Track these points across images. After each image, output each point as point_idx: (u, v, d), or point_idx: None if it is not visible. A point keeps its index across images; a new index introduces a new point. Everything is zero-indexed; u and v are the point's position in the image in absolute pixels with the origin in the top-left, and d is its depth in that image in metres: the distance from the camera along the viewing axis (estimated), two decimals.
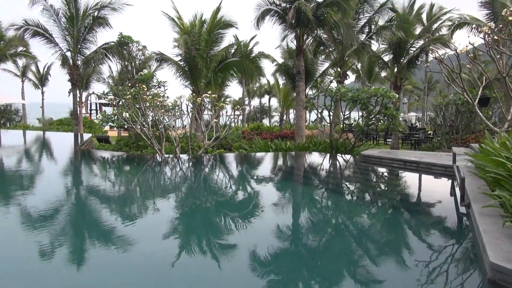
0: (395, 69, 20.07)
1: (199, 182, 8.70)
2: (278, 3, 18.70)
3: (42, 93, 42.22)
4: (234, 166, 11.35)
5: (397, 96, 13.13)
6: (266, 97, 53.55)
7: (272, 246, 4.28)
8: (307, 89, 22.86)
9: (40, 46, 21.00)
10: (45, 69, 41.39)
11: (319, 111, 14.75)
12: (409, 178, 8.94)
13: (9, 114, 30.94)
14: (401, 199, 7.06)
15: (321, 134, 17.56)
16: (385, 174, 9.63)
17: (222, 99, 36.07)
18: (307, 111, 24.02)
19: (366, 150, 11.96)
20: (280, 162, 12.10)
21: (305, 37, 19.54)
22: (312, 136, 18.98)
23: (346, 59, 23.13)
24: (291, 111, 36.80)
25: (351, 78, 34.18)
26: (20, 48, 32.67)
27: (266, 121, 45.66)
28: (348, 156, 12.18)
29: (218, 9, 17.96)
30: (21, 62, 38.06)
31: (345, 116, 14.34)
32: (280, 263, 3.93)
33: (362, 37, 21.84)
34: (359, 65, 33.90)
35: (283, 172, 10.44)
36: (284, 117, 33.93)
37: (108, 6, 19.68)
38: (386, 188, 8.33)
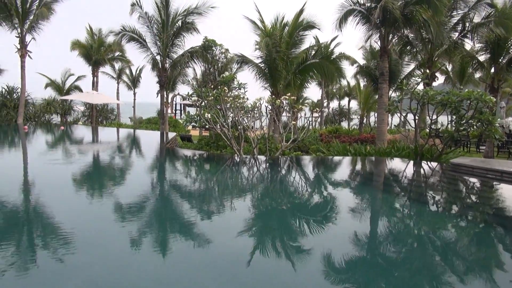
0: (492, 70, 18.26)
1: (275, 183, 8.72)
2: (362, 2, 18.11)
3: (134, 94, 45.85)
4: (311, 169, 11.20)
5: (494, 99, 11.92)
6: (346, 99, 52.23)
7: (347, 253, 4.11)
8: (391, 92, 21.80)
9: (133, 51, 22.86)
10: (137, 72, 44.94)
11: (403, 114, 13.96)
12: (507, 191, 8.04)
13: (105, 113, 34.04)
14: (495, 213, 6.37)
15: (405, 139, 16.61)
16: (478, 185, 8.78)
17: (301, 101, 35.93)
18: (389, 115, 22.91)
19: (456, 158, 11.03)
20: (359, 167, 11.67)
21: (390, 37, 18.66)
22: (394, 140, 18.04)
23: (435, 59, 21.61)
24: (372, 114, 35.44)
25: (440, 79, 31.83)
26: (117, 53, 35.79)
27: (344, 124, 44.54)
28: (434, 164, 11.34)
29: (301, 11, 17.92)
30: (117, 65, 41.72)
31: (432, 121, 13.38)
32: (355, 272, 3.76)
33: (454, 35, 20.25)
34: (449, 66, 31.47)
35: (362, 178, 10.05)
36: (364, 120, 32.77)
37: (195, 12, 20.71)
38: (478, 201, 7.59)
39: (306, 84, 22.15)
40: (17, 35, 24.15)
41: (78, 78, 37.18)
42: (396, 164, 11.88)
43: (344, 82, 42.63)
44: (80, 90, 35.48)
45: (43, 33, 25.30)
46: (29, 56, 24.62)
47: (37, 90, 30.89)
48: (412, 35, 21.08)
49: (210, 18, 21.36)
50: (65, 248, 4.03)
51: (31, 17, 24.09)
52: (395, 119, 43.32)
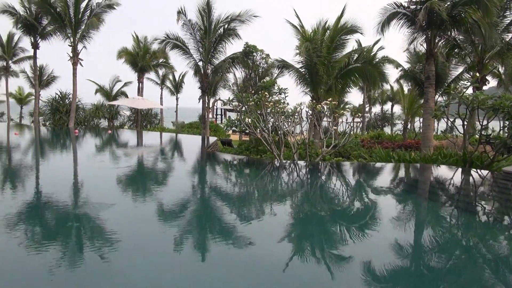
0: None
1: (315, 189, 8.62)
2: (406, 5, 17.60)
3: (177, 99, 47.10)
4: (352, 175, 10.98)
5: None
6: (389, 104, 50.85)
7: (389, 263, 3.98)
8: (437, 96, 20.98)
9: (176, 57, 23.50)
10: (180, 78, 46.16)
11: (451, 120, 13.38)
12: None
13: (150, 117, 35.20)
14: None
15: (452, 145, 15.89)
16: None
17: (342, 106, 35.36)
18: (435, 120, 22.03)
19: (509, 166, 10.40)
20: (402, 174, 11.30)
21: (436, 40, 17.98)
22: (441, 147, 17.31)
23: (486, 62, 20.56)
24: (416, 119, 34.26)
25: (491, 83, 30.19)
26: (161, 60, 36.97)
27: (387, 129, 43.35)
28: (485, 172, 10.76)
29: (341, 15, 17.71)
30: (161, 72, 43.08)
31: (483, 126, 12.71)
32: (397, 283, 3.63)
33: (507, 36, 19.18)
34: (501, 69, 29.84)
35: (406, 185, 9.71)
36: (408, 126, 31.72)
37: (237, 19, 21.03)
38: None
39: (347, 89, 21.79)
40: (70, 44, 25.57)
41: (125, 84, 38.81)
42: (443, 171, 11.39)
43: (387, 87, 41.51)
44: (126, 96, 36.98)
45: (93, 41, 26.64)
46: (80, 63, 25.98)
47: (87, 96, 32.58)
48: (460, 37, 20.20)
49: (252, 25, 21.63)
50: (109, 249, 4.20)
51: (83, 27, 25.43)
52: (442, 125, 41.65)
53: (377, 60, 20.26)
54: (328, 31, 18.37)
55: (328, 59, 18.09)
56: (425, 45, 17.87)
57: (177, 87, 46.69)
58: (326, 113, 13.77)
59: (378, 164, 12.73)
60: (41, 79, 39.00)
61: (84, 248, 4.26)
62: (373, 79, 19.60)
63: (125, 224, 5.15)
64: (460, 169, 11.31)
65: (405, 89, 30.51)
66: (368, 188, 9.04)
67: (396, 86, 37.40)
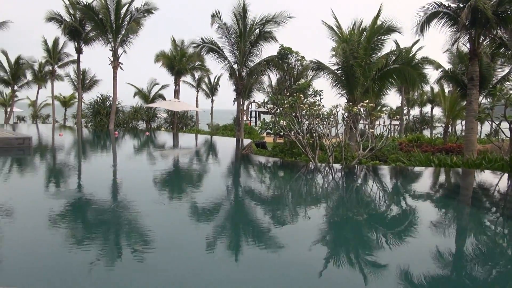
0: None
1: (351, 193, 8.44)
2: (447, 4, 16.97)
3: (212, 101, 47.72)
4: (389, 179, 10.67)
5: None
6: (428, 106, 49.17)
7: (428, 271, 3.82)
8: (481, 98, 20.05)
9: (212, 60, 23.81)
10: (215, 80, 46.74)
11: (496, 123, 12.73)
12: None
13: (185, 120, 35.87)
14: None
15: (497, 149, 15.11)
16: None
17: (379, 108, 34.55)
18: (479, 123, 21.06)
19: None
20: (443, 179, 10.87)
21: (480, 39, 17.20)
22: (485, 151, 16.51)
23: None
24: (458, 121, 32.92)
25: None
26: (197, 63, 37.61)
27: (426, 132, 41.96)
28: None
29: (377, 15, 17.31)
30: (197, 74, 43.80)
31: None
32: None
33: None
34: None
35: (447, 191, 9.31)
36: (449, 129, 30.51)
37: (272, 21, 21.04)
38: None
39: (385, 91, 21.26)
40: (111, 49, 26.52)
41: (162, 87, 39.79)
42: (487, 177, 10.85)
43: (426, 88, 40.15)
44: (163, 98, 37.89)
45: (132, 46, 27.53)
46: (120, 67, 26.89)
47: (127, 99, 33.57)
48: (506, 36, 19.21)
49: (287, 26, 21.56)
50: (144, 248, 4.28)
51: (123, 32, 26.31)
52: (486, 128, 39.76)
53: (416, 61, 19.62)
54: (365, 32, 18.00)
55: (365, 61, 17.72)
56: (468, 45, 17.14)
57: (212, 89, 47.33)
58: (363, 115, 13.48)
59: (417, 168, 12.31)
60: (84, 82, 40.69)
61: (121, 246, 4.37)
62: (412, 81, 19.00)
63: (160, 224, 5.24)
64: (506, 175, 10.73)
65: (446, 90, 29.42)
66: (407, 193, 8.75)
67: (436, 88, 36.12)
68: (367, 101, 12.92)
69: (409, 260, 4.18)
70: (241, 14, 21.54)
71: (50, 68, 39.14)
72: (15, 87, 40.20)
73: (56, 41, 37.24)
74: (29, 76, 41.05)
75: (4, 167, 9.91)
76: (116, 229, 5.05)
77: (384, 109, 43.93)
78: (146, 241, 4.52)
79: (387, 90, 21.41)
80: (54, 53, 37.76)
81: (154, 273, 3.62)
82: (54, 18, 27.87)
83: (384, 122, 14.12)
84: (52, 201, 6.16)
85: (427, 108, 49.94)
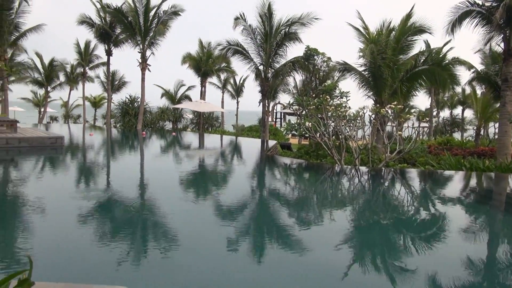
0: None
1: (377, 196, 8.28)
2: (480, 3, 16.42)
3: (237, 102, 47.96)
4: (418, 183, 10.41)
5: None
6: (459, 108, 47.71)
7: (459, 278, 3.70)
8: None
9: (237, 62, 23.90)
10: (241, 82, 46.96)
11: None
12: None
13: (211, 120, 36.19)
14: None
15: None
16: None
17: (407, 110, 33.82)
18: None
19: None
20: (475, 183, 10.51)
21: None
22: None
23: None
24: (491, 124, 31.80)
25: None
26: (223, 64, 37.88)
27: (457, 135, 40.74)
28: None
29: (409, 15, 16.93)
30: (223, 76, 44.13)
31: None
32: None
33: None
34: None
35: (478, 196, 9.00)
36: (482, 132, 29.48)
37: (298, 22, 20.95)
38: None
39: (413, 92, 20.75)
40: (139, 51, 27.08)
41: (189, 88, 40.31)
42: None
43: (457, 90, 38.97)
44: (190, 99, 38.36)
45: (160, 47, 28.02)
46: (148, 69, 27.42)
47: (154, 100, 34.18)
48: None
49: (313, 27, 21.42)
50: (170, 246, 4.34)
51: (151, 34, 26.83)
52: None
53: (447, 61, 19.06)
54: (393, 32, 17.66)
55: (393, 61, 17.37)
56: (502, 45, 16.53)
57: (237, 91, 47.58)
58: (390, 117, 13.23)
59: (447, 172, 11.97)
60: (113, 84, 41.74)
61: (148, 243, 4.45)
62: (443, 82, 18.47)
63: (185, 223, 5.31)
64: None
65: (478, 92, 28.47)
66: (436, 197, 8.51)
67: (468, 89, 35.03)
68: (395, 102, 12.66)
69: (438, 268, 4.06)
70: (266, 15, 21.54)
71: (82, 70, 40.37)
72: (49, 88, 41.70)
73: (87, 44, 38.39)
74: (61, 77, 42.54)
75: (39, 165, 10.28)
76: (143, 227, 5.15)
77: (412, 111, 42.92)
78: (172, 239, 4.58)
79: (416, 92, 20.90)
80: (85, 55, 38.93)
81: (179, 270, 3.66)
82: (85, 21, 28.74)
83: (412, 124, 13.75)
84: (83, 199, 6.34)
85: (457, 110, 48.49)
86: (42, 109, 44.39)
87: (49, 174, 9.21)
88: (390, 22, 17.97)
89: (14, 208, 5.96)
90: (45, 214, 5.48)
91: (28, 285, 1.74)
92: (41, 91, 45.82)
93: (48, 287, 2.42)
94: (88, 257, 3.93)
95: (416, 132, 12.87)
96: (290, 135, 28.41)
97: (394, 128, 12.89)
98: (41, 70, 40.10)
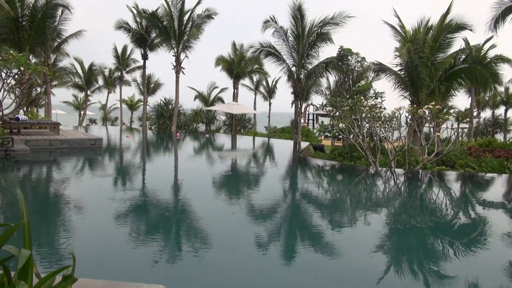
0: None
1: (414, 199, 8.03)
2: None
3: (269, 104, 47.97)
4: (457, 186, 10.02)
5: None
6: (502, 108, 45.56)
7: (502, 286, 3.52)
8: None
9: (270, 63, 23.90)
10: (273, 83, 46.95)
11: None
12: None
13: (243, 122, 36.41)
14: None
15: None
16: None
17: (445, 111, 32.69)
18: None
19: None
20: None
21: None
22: None
23: None
24: None
25: None
26: (255, 66, 38.05)
27: (499, 136, 38.93)
28: None
29: (447, 12, 16.34)
30: (255, 77, 44.30)
31: None
32: None
33: None
34: None
35: None
36: None
37: (331, 22, 20.71)
38: None
39: (452, 92, 19.99)
40: (174, 54, 27.68)
41: (221, 90, 40.76)
42: None
43: (500, 89, 37.23)
44: (222, 101, 38.78)
45: (193, 50, 28.53)
46: (182, 72, 27.96)
47: (187, 102, 34.81)
48: None
49: (346, 27, 21.10)
50: (203, 246, 4.39)
51: (185, 37, 27.35)
52: None
53: (489, 59, 18.23)
54: (431, 30, 17.09)
55: (431, 60, 16.81)
56: None
57: (270, 92, 47.61)
58: (428, 118, 12.81)
59: (488, 175, 11.44)
60: (149, 87, 42.88)
61: (182, 243, 4.52)
62: (484, 81, 17.66)
63: (219, 223, 5.36)
64: None
65: None
66: (477, 201, 8.15)
67: None
68: (433, 103, 12.25)
69: (478, 276, 3.88)
70: (298, 16, 21.42)
71: (119, 73, 41.74)
72: (88, 92, 43.41)
73: (124, 49, 39.68)
74: (100, 81, 44.22)
75: (80, 166, 10.70)
76: (179, 226, 5.24)
77: (451, 111, 41.38)
78: (206, 239, 4.64)
79: (455, 92, 20.12)
80: (123, 60, 40.24)
81: (214, 270, 3.69)
82: (123, 26, 29.73)
83: (451, 125, 13.22)
84: (120, 199, 6.54)
85: (500, 110, 46.32)
86: (82, 112, 46.27)
87: (89, 174, 9.57)
88: (428, 20, 17.42)
89: (58, 206, 6.23)
90: (86, 213, 5.69)
91: (72, 280, 1.81)
92: (81, 95, 47.76)
93: (88, 283, 2.50)
94: (126, 255, 4.05)
95: (455, 133, 12.39)
96: (322, 137, 28.11)
97: (432, 129, 12.45)
98: (81, 74, 41.79)
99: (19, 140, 11.90)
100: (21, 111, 15.53)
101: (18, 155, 10.68)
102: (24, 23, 20.77)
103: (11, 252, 1.77)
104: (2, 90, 12.35)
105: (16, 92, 13.34)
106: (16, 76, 12.78)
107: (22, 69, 12.15)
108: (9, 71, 12.16)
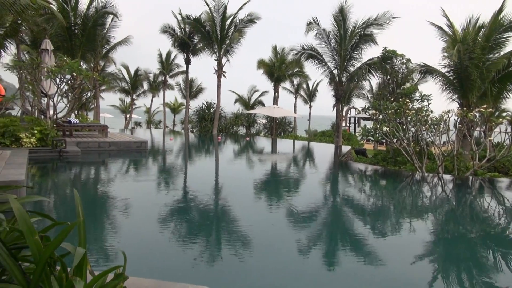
0: None
1: (464, 207, 7.65)
2: None
3: (310, 107, 47.59)
4: (511, 193, 9.43)
5: None
6: None
7: None
8: None
9: (310, 66, 23.72)
10: (314, 86, 46.55)
11: None
12: None
13: (284, 125, 36.35)
14: None
15: None
16: None
17: (497, 114, 31.00)
18: None
19: None
20: None
21: None
22: None
23: None
24: None
25: None
26: (296, 69, 37.92)
27: None
28: None
29: (500, 9, 15.49)
30: (295, 81, 44.12)
31: None
32: None
33: None
34: None
35: None
36: None
37: (374, 23, 20.25)
38: None
39: (506, 94, 18.89)
40: (216, 59, 28.14)
41: (262, 93, 40.95)
42: None
43: None
44: (263, 105, 38.93)
45: (234, 54, 28.86)
46: (224, 76, 28.36)
47: (228, 105, 35.23)
48: None
49: (390, 28, 20.53)
50: (245, 247, 4.40)
51: (227, 42, 27.75)
52: None
53: None
54: (482, 29, 16.25)
55: (483, 61, 15.98)
56: None
57: (310, 95, 47.22)
58: (478, 122, 12.18)
59: None
60: (191, 90, 43.88)
61: (222, 246, 4.56)
62: None
63: (260, 226, 5.36)
64: None
65: None
66: None
67: None
68: (484, 106, 11.63)
69: None
70: (340, 18, 21.10)
71: (163, 78, 43.05)
72: (134, 96, 45.12)
73: (168, 54, 40.89)
74: (145, 85, 45.84)
75: (126, 167, 11.12)
76: (218, 229, 5.30)
77: (504, 114, 39.05)
78: (247, 241, 4.65)
79: (509, 94, 19.00)
80: (166, 65, 41.47)
81: (253, 273, 3.69)
82: (167, 31, 30.66)
83: (505, 129, 12.47)
84: (164, 200, 6.71)
85: None
86: (128, 115, 48.12)
87: (136, 175, 9.91)
88: (477, 18, 16.60)
89: (107, 206, 6.49)
90: (134, 213, 5.89)
91: (123, 279, 1.88)
92: (127, 99, 49.69)
93: (137, 282, 2.58)
94: (172, 255, 4.14)
95: (510, 137, 11.68)
96: (364, 141, 27.46)
97: (483, 133, 11.82)
98: (127, 79, 43.51)
99: (71, 142, 12.55)
100: (72, 114, 16.38)
101: (70, 156, 11.26)
102: (76, 31, 21.94)
103: (67, 249, 1.85)
104: (57, 94, 13.09)
105: (69, 97, 14.09)
106: (69, 82, 13.50)
107: (75, 74, 12.81)
108: (62, 77, 12.87)
